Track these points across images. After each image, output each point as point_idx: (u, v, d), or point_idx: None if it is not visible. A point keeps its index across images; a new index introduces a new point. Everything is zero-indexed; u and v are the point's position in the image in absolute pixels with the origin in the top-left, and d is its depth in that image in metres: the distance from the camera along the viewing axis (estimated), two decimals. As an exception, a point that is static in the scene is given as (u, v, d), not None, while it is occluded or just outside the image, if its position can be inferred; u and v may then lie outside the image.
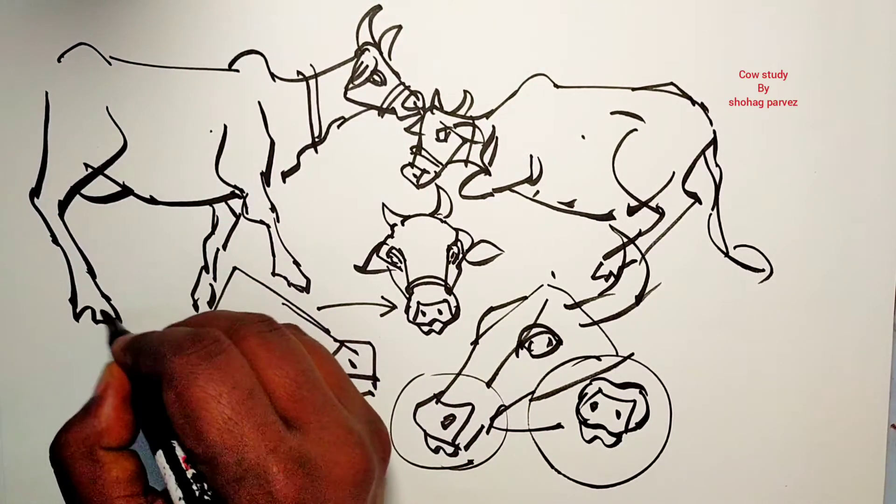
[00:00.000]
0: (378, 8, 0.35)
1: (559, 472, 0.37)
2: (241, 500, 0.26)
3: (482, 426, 0.37)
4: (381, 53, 0.36)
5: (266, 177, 0.36)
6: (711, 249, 0.37)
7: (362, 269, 0.37)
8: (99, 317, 0.37)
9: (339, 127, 0.36)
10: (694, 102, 0.36)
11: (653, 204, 0.36)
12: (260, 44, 0.36)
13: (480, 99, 0.36)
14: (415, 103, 0.36)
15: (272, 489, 0.26)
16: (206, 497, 0.27)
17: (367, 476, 0.28)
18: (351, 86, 0.36)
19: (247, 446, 0.26)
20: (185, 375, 0.27)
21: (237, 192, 0.36)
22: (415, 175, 0.36)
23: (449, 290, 0.37)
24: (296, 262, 0.37)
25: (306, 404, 0.28)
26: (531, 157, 0.36)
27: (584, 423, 0.37)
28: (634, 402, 0.37)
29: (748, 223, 0.36)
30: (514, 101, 0.36)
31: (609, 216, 0.36)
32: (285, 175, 0.36)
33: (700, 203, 0.36)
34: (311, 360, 0.30)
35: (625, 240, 0.37)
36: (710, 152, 0.36)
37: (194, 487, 0.27)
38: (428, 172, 0.36)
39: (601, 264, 0.37)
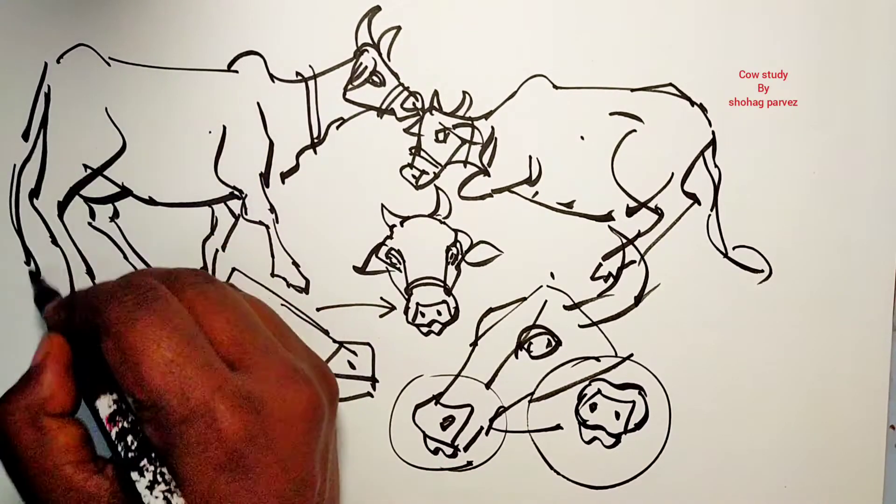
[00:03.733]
0: (377, 9, 0.35)
1: (558, 474, 0.37)
2: (189, 442, 0.25)
3: (481, 427, 0.37)
4: (380, 54, 0.36)
5: (265, 178, 0.36)
6: (710, 250, 0.37)
7: (361, 270, 0.37)
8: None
9: (338, 128, 0.36)
10: (693, 103, 0.36)
11: (652, 205, 0.36)
12: (259, 45, 0.36)
13: (479, 100, 0.36)
14: (414, 104, 0.36)
15: (219, 427, 0.26)
16: (129, 454, 0.27)
17: (316, 413, 0.28)
18: (350, 87, 0.36)
19: (191, 386, 0.26)
20: (123, 322, 0.26)
21: (236, 192, 0.36)
22: (414, 176, 0.36)
23: (448, 291, 0.37)
24: (295, 263, 0.37)
25: (248, 346, 0.28)
26: (530, 157, 0.36)
27: (583, 424, 0.37)
28: (633, 402, 0.37)
29: (747, 224, 0.36)
30: (513, 101, 0.36)
31: (608, 217, 0.36)
32: (284, 176, 0.36)
33: (699, 204, 0.36)
34: (250, 307, 0.30)
35: (624, 240, 0.37)
36: (709, 153, 0.36)
37: (119, 448, 0.27)
38: (427, 173, 0.36)
39: (600, 265, 0.37)
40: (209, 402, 0.26)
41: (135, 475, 0.26)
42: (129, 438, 0.27)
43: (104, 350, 0.27)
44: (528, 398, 0.37)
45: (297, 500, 0.27)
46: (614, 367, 0.37)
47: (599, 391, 0.37)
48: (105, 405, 0.28)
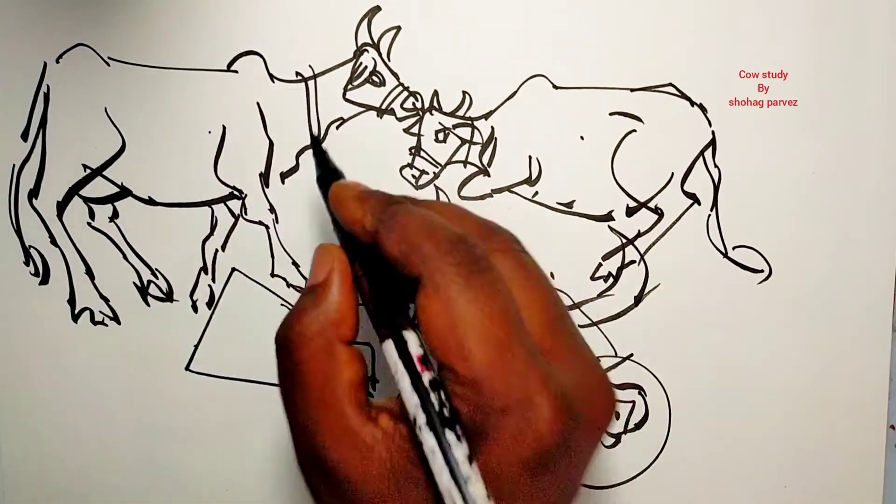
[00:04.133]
0: (377, 9, 0.35)
1: (558, 473, 0.37)
2: (504, 432, 0.23)
3: (481, 427, 0.37)
4: (379, 54, 0.35)
5: (265, 178, 0.36)
6: (710, 250, 0.37)
7: (361, 270, 0.37)
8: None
9: (337, 128, 0.36)
10: (693, 103, 0.36)
11: (652, 205, 0.36)
12: (259, 45, 0.35)
13: (479, 100, 0.36)
14: (414, 104, 0.36)
15: (539, 426, 0.23)
16: (444, 412, 0.23)
17: (609, 422, 0.25)
18: (350, 87, 0.36)
19: (517, 374, 0.23)
20: (456, 287, 0.23)
21: (236, 192, 0.36)
22: (414, 176, 0.36)
23: (448, 291, 0.36)
24: (295, 263, 0.36)
25: (560, 335, 0.25)
26: (530, 157, 0.36)
27: (583, 423, 0.37)
28: (633, 402, 0.37)
29: (747, 224, 0.36)
30: (512, 101, 0.36)
31: (608, 217, 0.36)
32: (284, 176, 0.36)
33: (699, 204, 0.36)
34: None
35: (624, 240, 0.37)
36: (708, 153, 0.36)
37: (433, 398, 0.23)
38: (427, 173, 0.36)
39: (600, 265, 0.37)
40: (534, 397, 0.23)
41: (451, 436, 0.23)
42: (441, 393, 0.23)
43: (425, 306, 0.24)
44: (528, 398, 0.37)
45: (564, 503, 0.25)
46: (614, 367, 0.37)
47: (599, 391, 0.37)
48: (415, 343, 0.24)
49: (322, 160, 0.31)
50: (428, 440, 0.23)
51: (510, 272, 0.25)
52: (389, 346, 0.24)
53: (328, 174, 0.30)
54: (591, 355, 0.26)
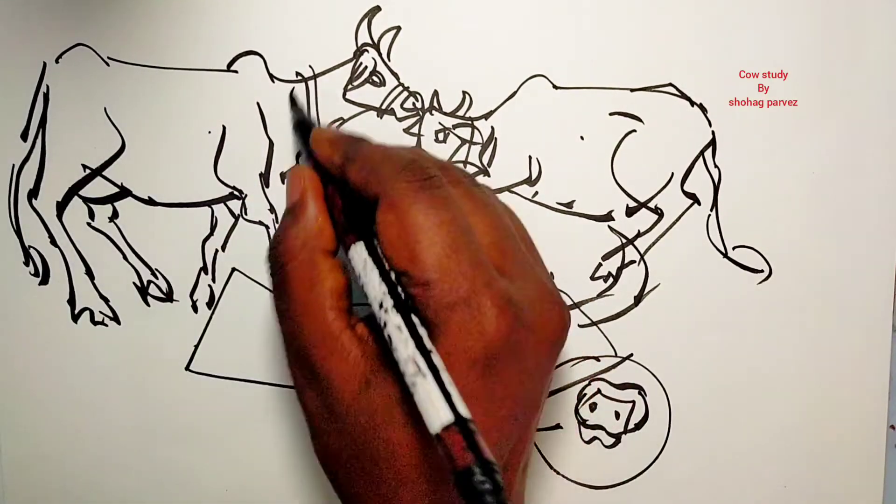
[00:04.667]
0: (377, 9, 0.35)
1: (558, 473, 0.37)
2: (451, 326, 0.25)
3: (481, 427, 0.37)
4: (380, 54, 0.35)
5: (265, 178, 0.36)
6: (710, 250, 0.37)
7: (361, 270, 0.36)
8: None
9: (338, 128, 0.36)
10: (693, 103, 0.36)
11: (651, 205, 0.36)
12: (259, 45, 0.35)
13: (479, 100, 0.36)
14: (414, 104, 0.36)
15: (483, 322, 0.25)
16: (409, 301, 0.26)
17: (562, 337, 0.28)
18: (350, 87, 0.36)
19: (463, 275, 0.25)
20: (408, 200, 0.26)
21: (236, 193, 0.36)
22: (414, 176, 0.36)
23: (448, 291, 0.36)
24: (295, 264, 0.36)
25: (508, 255, 0.28)
26: (530, 157, 0.36)
27: (582, 423, 0.37)
28: (633, 402, 0.37)
29: (747, 224, 0.36)
30: (512, 102, 0.36)
31: (608, 217, 0.36)
32: (284, 176, 0.36)
33: (699, 204, 0.36)
34: (509, 219, 0.30)
35: (624, 240, 0.37)
36: (708, 153, 0.36)
37: (399, 290, 0.26)
38: (427, 173, 0.36)
39: (600, 265, 0.37)
40: (478, 295, 0.25)
41: (414, 319, 0.25)
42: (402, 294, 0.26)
43: (381, 220, 0.27)
44: (528, 398, 0.37)
45: (521, 419, 0.27)
46: (614, 366, 0.37)
47: (599, 391, 0.37)
48: (380, 251, 0.27)
49: (297, 110, 0.35)
50: (394, 319, 0.25)
51: (459, 199, 0.28)
52: (359, 248, 0.27)
53: (303, 121, 0.34)
54: (543, 273, 0.29)
